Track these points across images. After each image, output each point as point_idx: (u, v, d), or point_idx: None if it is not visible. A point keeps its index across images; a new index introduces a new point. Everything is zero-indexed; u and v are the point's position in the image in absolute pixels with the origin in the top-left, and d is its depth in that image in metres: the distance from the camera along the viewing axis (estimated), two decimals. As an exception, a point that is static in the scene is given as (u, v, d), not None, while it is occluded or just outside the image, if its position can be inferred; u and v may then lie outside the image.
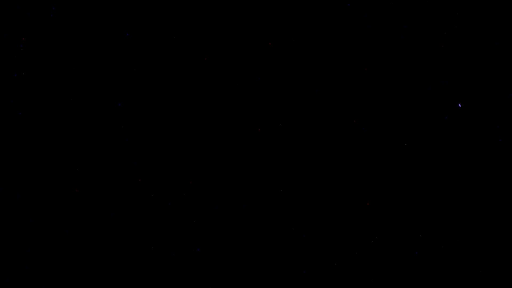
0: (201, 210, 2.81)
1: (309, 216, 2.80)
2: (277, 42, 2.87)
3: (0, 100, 2.79)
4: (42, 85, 2.83)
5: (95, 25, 2.85)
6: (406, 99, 2.82)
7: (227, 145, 2.85)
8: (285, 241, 2.78)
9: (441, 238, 2.74)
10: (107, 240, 2.77)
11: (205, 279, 2.74)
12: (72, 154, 2.81)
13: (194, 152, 2.85)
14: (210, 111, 2.87)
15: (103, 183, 2.80)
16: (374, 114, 2.83)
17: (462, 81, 2.81)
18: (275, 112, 2.86)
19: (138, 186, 2.81)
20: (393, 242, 2.75)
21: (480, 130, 2.77)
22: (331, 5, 2.85)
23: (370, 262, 2.74)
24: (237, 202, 2.81)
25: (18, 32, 2.81)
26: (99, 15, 2.85)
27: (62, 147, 2.81)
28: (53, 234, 2.75)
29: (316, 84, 2.86)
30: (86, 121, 2.83)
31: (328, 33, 2.87)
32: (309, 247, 2.77)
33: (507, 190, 2.73)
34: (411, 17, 2.83)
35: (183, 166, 2.85)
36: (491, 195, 2.74)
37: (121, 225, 2.78)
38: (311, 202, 2.80)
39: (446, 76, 2.82)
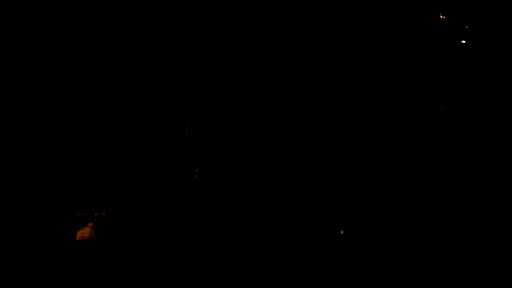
0: (201, 210, 2.81)
1: (309, 216, 2.80)
2: (277, 42, 2.87)
3: (0, 100, 2.79)
4: (42, 85, 2.83)
5: (95, 25, 2.85)
6: (406, 99, 2.83)
7: (227, 145, 2.85)
8: (285, 241, 2.78)
9: (441, 238, 2.74)
10: (107, 240, 2.77)
11: (205, 279, 2.74)
12: (72, 154, 2.81)
13: (193, 152, 2.86)
14: (210, 111, 2.88)
15: (103, 183, 2.80)
16: (374, 114, 2.84)
17: (462, 81, 2.81)
18: (275, 112, 2.86)
19: (138, 186, 2.81)
20: (393, 242, 2.75)
21: (480, 130, 2.77)
22: (331, 5, 2.86)
23: (370, 262, 2.74)
24: (237, 202, 2.81)
25: (18, 32, 2.81)
26: (99, 15, 2.85)
27: (62, 147, 2.81)
28: (52, 233, 2.75)
29: (316, 84, 2.87)
30: (86, 122, 2.83)
31: (328, 33, 2.87)
32: (309, 247, 2.77)
33: (507, 190, 2.73)
34: (411, 17, 2.84)
35: (183, 166, 2.85)
36: (491, 195, 2.74)
37: (121, 225, 2.78)
38: (311, 202, 2.80)
39: (446, 76, 2.82)
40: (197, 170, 2.86)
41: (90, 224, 2.78)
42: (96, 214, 2.79)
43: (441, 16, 2.60)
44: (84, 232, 2.77)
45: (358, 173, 2.81)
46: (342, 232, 2.72)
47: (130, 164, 2.83)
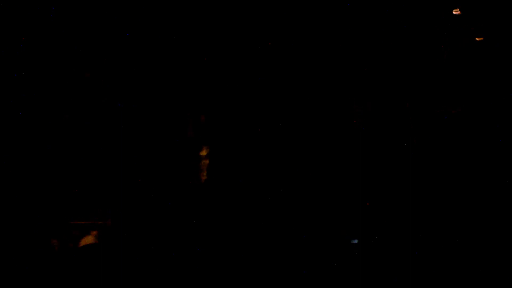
0: (201, 210, 2.81)
1: (309, 216, 2.80)
2: (277, 42, 2.87)
3: (0, 100, 2.79)
4: (42, 85, 2.83)
5: (95, 25, 2.85)
6: (406, 99, 2.83)
7: (227, 145, 2.85)
8: (285, 241, 2.78)
9: (441, 238, 2.74)
10: (107, 240, 2.76)
11: (205, 279, 2.74)
12: (72, 154, 2.81)
13: (193, 152, 2.85)
14: (209, 111, 2.87)
15: (103, 183, 2.80)
16: (374, 114, 2.83)
17: (462, 80, 2.81)
18: (275, 112, 2.86)
19: (138, 186, 2.81)
20: (393, 242, 2.75)
21: (480, 130, 2.77)
22: (331, 5, 2.86)
23: (370, 262, 2.74)
24: (236, 202, 2.81)
25: (18, 32, 2.81)
26: (99, 15, 2.85)
27: (62, 147, 2.80)
28: (52, 233, 2.75)
29: (315, 84, 2.86)
30: (86, 122, 2.83)
31: (329, 34, 2.87)
32: (309, 247, 2.77)
33: (507, 190, 2.73)
34: (411, 17, 2.84)
35: (183, 166, 2.84)
36: (491, 195, 2.74)
37: (121, 225, 2.78)
38: (311, 202, 2.80)
39: (446, 76, 2.82)
40: (198, 169, 2.85)
41: (93, 233, 2.77)
42: (100, 222, 2.78)
43: (455, 12, 2.58)
44: (88, 241, 2.76)
45: (358, 173, 2.81)
46: (355, 241, 2.72)
47: (130, 164, 2.83)
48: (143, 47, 2.86)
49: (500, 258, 2.69)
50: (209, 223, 2.80)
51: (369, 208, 2.78)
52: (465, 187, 2.76)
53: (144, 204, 2.81)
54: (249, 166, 2.83)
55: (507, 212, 2.72)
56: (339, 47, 2.87)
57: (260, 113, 2.86)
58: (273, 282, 2.73)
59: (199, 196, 2.83)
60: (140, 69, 2.86)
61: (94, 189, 2.80)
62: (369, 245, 2.75)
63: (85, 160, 2.81)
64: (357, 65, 2.86)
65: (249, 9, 2.87)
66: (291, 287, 2.73)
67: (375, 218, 2.78)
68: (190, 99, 2.89)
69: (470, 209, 2.75)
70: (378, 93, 2.85)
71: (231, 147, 2.86)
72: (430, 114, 2.81)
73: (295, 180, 2.82)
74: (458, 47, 2.81)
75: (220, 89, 2.88)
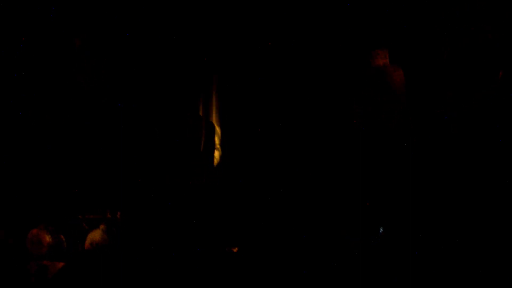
0: (201, 210, 2.81)
1: (309, 216, 2.80)
2: (277, 42, 2.87)
3: (0, 100, 2.79)
4: (42, 85, 2.83)
5: (95, 25, 2.86)
6: (405, 98, 2.83)
7: (227, 145, 2.85)
8: (285, 241, 2.78)
9: (441, 238, 2.74)
10: (106, 240, 2.76)
11: (205, 279, 2.74)
12: (72, 154, 2.81)
13: (193, 152, 2.85)
14: (210, 111, 2.88)
15: (103, 183, 2.80)
16: (374, 114, 2.84)
17: (462, 80, 2.81)
18: (275, 112, 2.86)
19: (138, 186, 2.81)
20: (393, 242, 2.75)
21: (480, 130, 2.77)
22: (331, 5, 2.86)
23: (370, 262, 2.74)
24: (236, 202, 2.81)
25: (18, 32, 2.81)
26: (99, 15, 2.85)
27: (62, 147, 2.81)
28: (59, 228, 2.75)
29: (316, 84, 2.87)
30: (85, 122, 2.83)
31: (328, 33, 2.87)
32: (309, 247, 2.77)
33: (507, 190, 2.73)
34: (411, 17, 2.84)
35: (183, 166, 2.85)
36: (491, 195, 2.74)
37: (121, 225, 2.78)
38: (311, 203, 2.80)
39: (445, 76, 2.82)
40: (198, 169, 2.86)
41: (102, 227, 2.73)
42: (109, 216, 2.76)
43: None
44: (95, 234, 2.73)
45: (358, 173, 2.81)
46: (381, 230, 2.70)
47: (130, 164, 2.83)
48: (143, 47, 2.87)
49: (500, 258, 2.69)
50: (209, 223, 2.80)
51: (369, 208, 2.78)
52: (465, 186, 2.76)
53: (144, 204, 2.81)
54: (248, 166, 2.83)
55: (507, 212, 2.72)
56: (339, 47, 2.87)
57: (260, 113, 2.86)
58: (273, 282, 2.73)
59: (199, 196, 2.83)
60: (140, 69, 2.87)
61: (101, 184, 2.80)
62: (369, 245, 2.75)
63: (91, 157, 2.81)
64: (356, 64, 2.86)
65: (249, 9, 2.88)
66: (291, 287, 2.73)
67: (375, 218, 2.78)
68: (190, 99, 2.89)
69: (470, 209, 2.75)
70: (378, 92, 2.85)
71: (230, 147, 2.86)
72: (430, 114, 2.81)
73: (295, 180, 2.82)
74: (458, 47, 2.81)
75: (219, 89, 2.88)
